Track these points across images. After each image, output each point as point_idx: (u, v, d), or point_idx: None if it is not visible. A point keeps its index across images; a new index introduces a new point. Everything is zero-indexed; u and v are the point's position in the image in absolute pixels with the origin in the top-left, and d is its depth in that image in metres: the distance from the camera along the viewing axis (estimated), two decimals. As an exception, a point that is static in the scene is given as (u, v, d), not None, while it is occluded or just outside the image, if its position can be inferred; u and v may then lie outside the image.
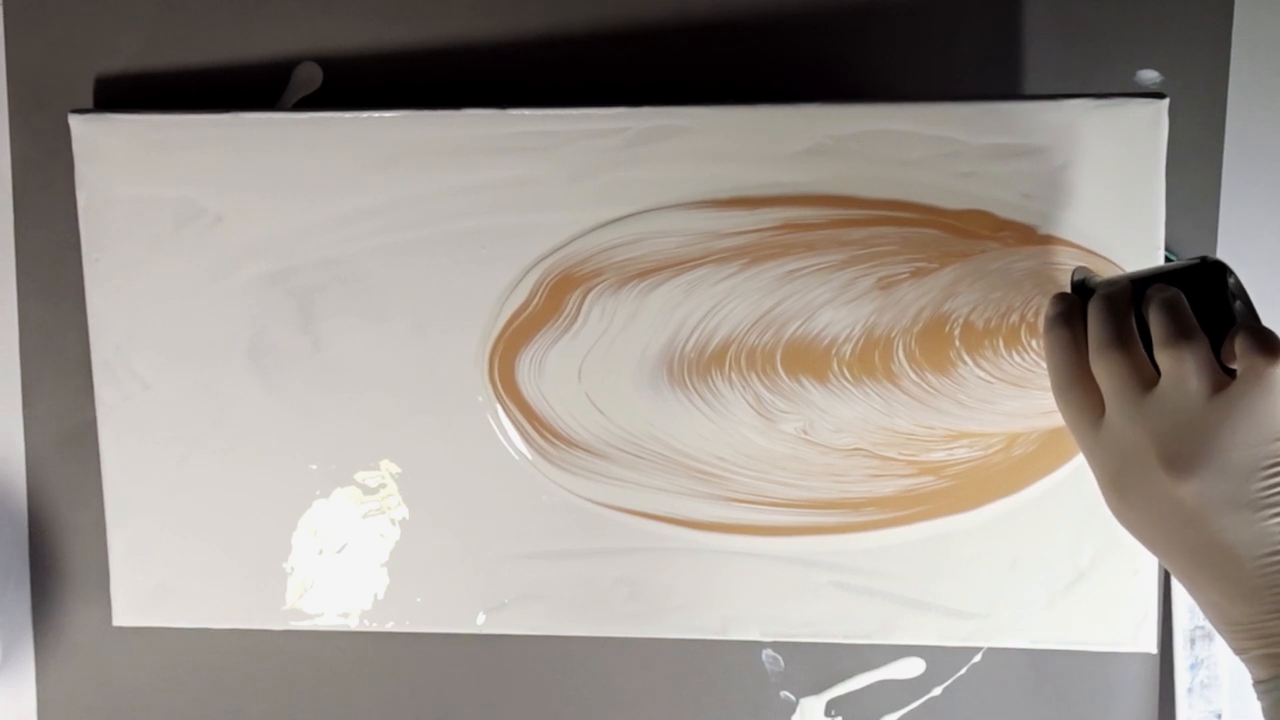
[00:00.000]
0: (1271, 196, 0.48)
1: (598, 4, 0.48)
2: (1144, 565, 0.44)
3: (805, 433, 0.44)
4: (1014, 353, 0.43)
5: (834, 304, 0.43)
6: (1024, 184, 0.42)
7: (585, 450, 0.45)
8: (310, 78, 0.48)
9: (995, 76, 0.47)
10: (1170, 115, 0.42)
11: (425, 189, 0.44)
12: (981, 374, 0.43)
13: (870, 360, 0.43)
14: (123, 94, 0.49)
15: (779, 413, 0.44)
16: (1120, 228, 0.42)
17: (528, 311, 0.44)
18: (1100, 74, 0.47)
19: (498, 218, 0.44)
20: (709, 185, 0.43)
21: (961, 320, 0.43)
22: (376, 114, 0.44)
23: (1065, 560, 0.44)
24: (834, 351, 0.43)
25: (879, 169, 0.42)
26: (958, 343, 0.43)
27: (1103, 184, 0.42)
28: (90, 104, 0.48)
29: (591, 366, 0.44)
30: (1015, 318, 0.43)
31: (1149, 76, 0.47)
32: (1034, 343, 0.43)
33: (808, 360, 0.43)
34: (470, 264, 0.44)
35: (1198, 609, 0.48)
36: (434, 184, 0.44)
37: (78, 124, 0.45)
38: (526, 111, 0.43)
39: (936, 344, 0.43)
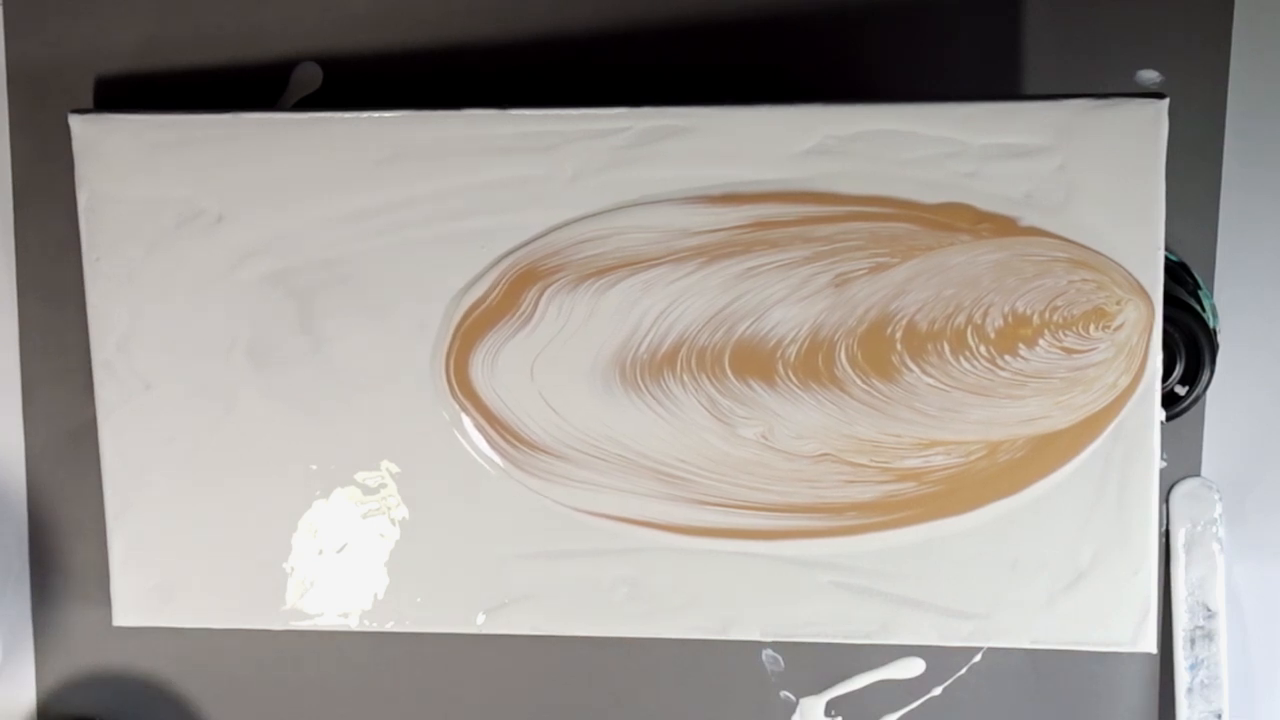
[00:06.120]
0: (1271, 196, 0.48)
1: (598, 4, 0.48)
2: (1144, 565, 0.44)
3: (765, 438, 0.43)
4: (962, 359, 0.42)
5: (786, 302, 0.42)
6: (1024, 184, 0.42)
7: (545, 452, 0.44)
8: (310, 78, 0.48)
9: (995, 76, 0.47)
10: (1170, 115, 0.42)
11: (425, 189, 0.44)
12: (932, 381, 0.42)
13: (814, 364, 0.42)
14: (123, 94, 0.49)
15: (737, 418, 0.43)
16: (1120, 227, 0.42)
17: (483, 306, 0.44)
18: (1100, 74, 0.47)
19: (498, 218, 0.44)
20: (706, 184, 0.43)
21: (905, 322, 0.42)
22: (376, 114, 0.44)
23: (1065, 560, 0.44)
24: (779, 354, 0.43)
25: (873, 167, 0.42)
26: (899, 346, 0.42)
27: (1102, 184, 0.42)
28: (90, 104, 0.48)
29: (544, 365, 0.44)
30: (961, 319, 0.42)
31: (1149, 76, 0.47)
32: (982, 348, 0.42)
33: (754, 362, 0.43)
34: (469, 263, 0.44)
35: (1198, 609, 0.48)
36: (434, 184, 0.44)
37: (78, 124, 0.45)
38: (526, 111, 0.43)
39: (878, 347, 0.42)
